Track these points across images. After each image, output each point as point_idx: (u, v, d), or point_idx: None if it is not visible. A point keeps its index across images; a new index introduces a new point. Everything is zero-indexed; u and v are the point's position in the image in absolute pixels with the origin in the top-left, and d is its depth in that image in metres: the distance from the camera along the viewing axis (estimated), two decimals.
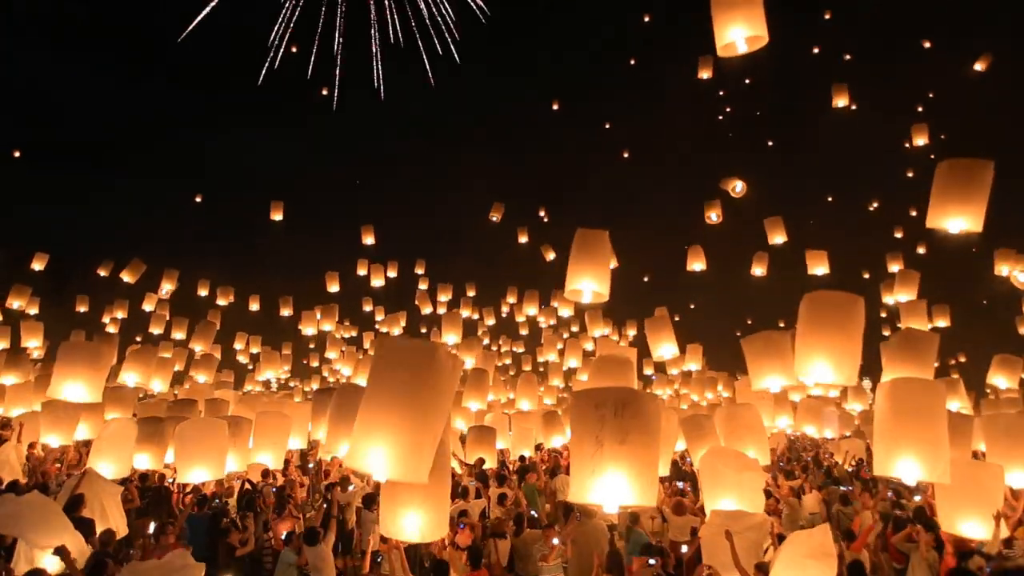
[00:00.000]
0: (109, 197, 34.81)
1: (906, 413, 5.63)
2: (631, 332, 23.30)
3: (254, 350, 24.62)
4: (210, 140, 37.60)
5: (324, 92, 36.93)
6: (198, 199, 29.25)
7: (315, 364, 30.45)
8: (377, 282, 22.12)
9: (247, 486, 9.91)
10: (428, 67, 44.22)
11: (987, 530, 6.56)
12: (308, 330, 22.43)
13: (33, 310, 17.59)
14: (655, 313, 14.83)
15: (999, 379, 14.30)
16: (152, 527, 7.01)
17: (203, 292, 22.47)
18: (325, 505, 7.78)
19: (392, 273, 22.87)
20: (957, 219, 6.57)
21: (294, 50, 39.77)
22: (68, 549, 5.23)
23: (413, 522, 4.56)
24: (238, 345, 25.26)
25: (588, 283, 7.28)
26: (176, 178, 34.47)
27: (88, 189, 34.36)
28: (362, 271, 22.40)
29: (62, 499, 7.40)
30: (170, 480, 9.81)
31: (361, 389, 8.41)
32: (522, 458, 13.23)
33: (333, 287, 22.35)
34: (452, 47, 45.08)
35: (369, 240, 21.65)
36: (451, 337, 17.91)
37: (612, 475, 3.98)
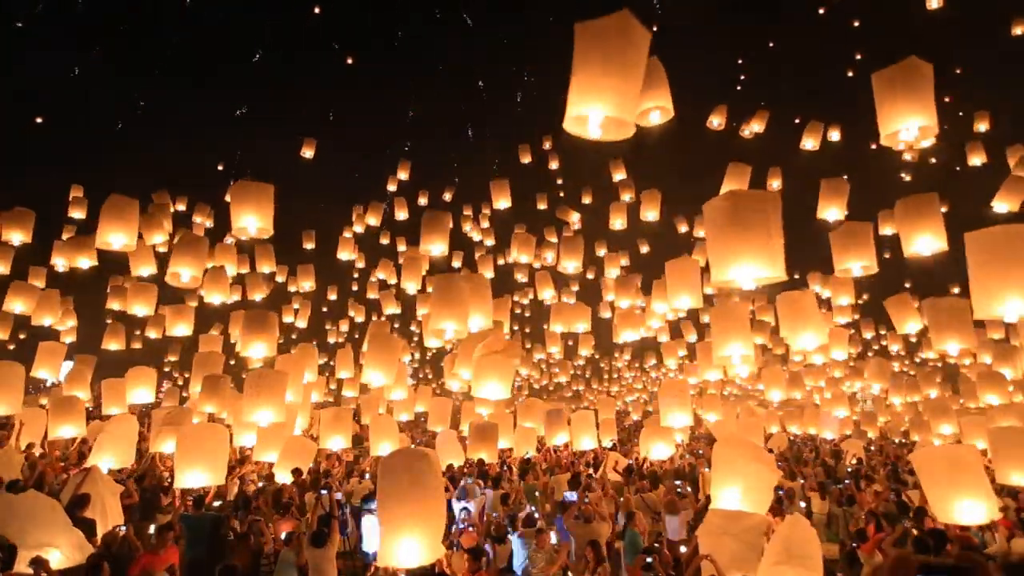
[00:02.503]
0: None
1: (1004, 257, 5.74)
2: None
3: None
4: None
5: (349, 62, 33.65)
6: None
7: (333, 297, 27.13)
8: (401, 215, 20.35)
9: (255, 485, 9.91)
10: None
11: (984, 513, 6.59)
12: (344, 255, 20.35)
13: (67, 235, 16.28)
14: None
15: None
16: (152, 528, 7.02)
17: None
18: (325, 507, 7.78)
19: (423, 200, 21.38)
20: None
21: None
22: (44, 559, 5.22)
23: (411, 547, 4.69)
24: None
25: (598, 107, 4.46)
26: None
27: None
28: (392, 187, 20.84)
29: (65, 496, 7.44)
30: (167, 480, 9.83)
31: (456, 279, 8.86)
32: (527, 460, 13.27)
33: (358, 227, 20.86)
34: None
35: (403, 175, 20.60)
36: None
37: (771, 254, 4.96)
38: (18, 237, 12.64)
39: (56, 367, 12.93)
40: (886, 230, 11.88)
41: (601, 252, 19.66)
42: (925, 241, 8.18)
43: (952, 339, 9.07)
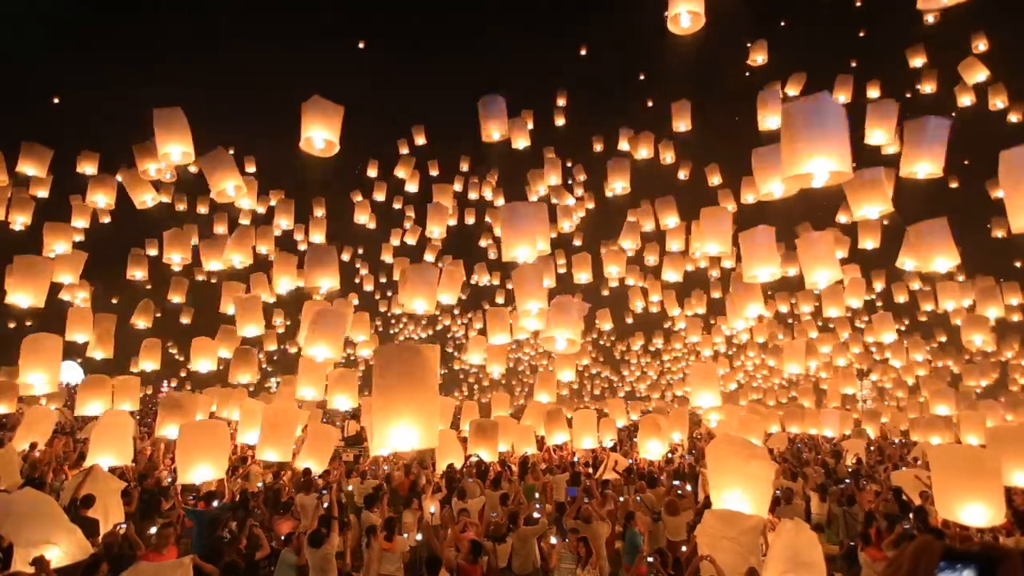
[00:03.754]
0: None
1: None
2: None
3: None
4: None
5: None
6: None
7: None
8: (411, 187, 20.03)
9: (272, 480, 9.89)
10: None
11: (989, 516, 6.60)
12: (361, 218, 19.79)
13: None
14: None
15: None
16: (153, 529, 7.02)
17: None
18: (325, 506, 7.78)
19: (434, 172, 20.88)
20: None
21: None
22: (47, 559, 5.22)
23: (405, 432, 4.74)
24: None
25: None
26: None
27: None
28: (404, 150, 20.08)
29: (66, 496, 7.46)
30: (169, 479, 9.83)
31: (520, 206, 9.26)
32: (525, 459, 13.26)
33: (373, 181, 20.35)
34: None
35: (420, 140, 20.03)
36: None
37: (843, 153, 5.81)
38: (32, 170, 12.42)
39: (88, 330, 13.04)
40: (889, 149, 11.84)
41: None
42: (923, 166, 8.53)
43: (937, 256, 9.37)
